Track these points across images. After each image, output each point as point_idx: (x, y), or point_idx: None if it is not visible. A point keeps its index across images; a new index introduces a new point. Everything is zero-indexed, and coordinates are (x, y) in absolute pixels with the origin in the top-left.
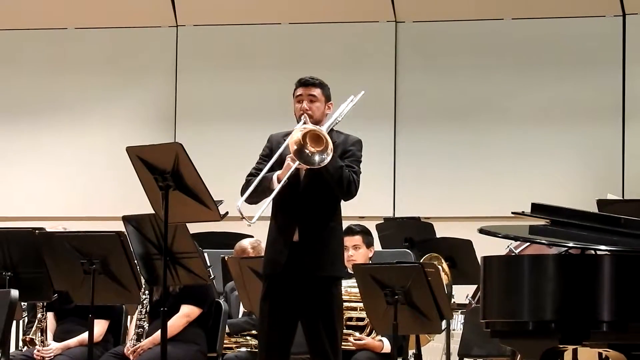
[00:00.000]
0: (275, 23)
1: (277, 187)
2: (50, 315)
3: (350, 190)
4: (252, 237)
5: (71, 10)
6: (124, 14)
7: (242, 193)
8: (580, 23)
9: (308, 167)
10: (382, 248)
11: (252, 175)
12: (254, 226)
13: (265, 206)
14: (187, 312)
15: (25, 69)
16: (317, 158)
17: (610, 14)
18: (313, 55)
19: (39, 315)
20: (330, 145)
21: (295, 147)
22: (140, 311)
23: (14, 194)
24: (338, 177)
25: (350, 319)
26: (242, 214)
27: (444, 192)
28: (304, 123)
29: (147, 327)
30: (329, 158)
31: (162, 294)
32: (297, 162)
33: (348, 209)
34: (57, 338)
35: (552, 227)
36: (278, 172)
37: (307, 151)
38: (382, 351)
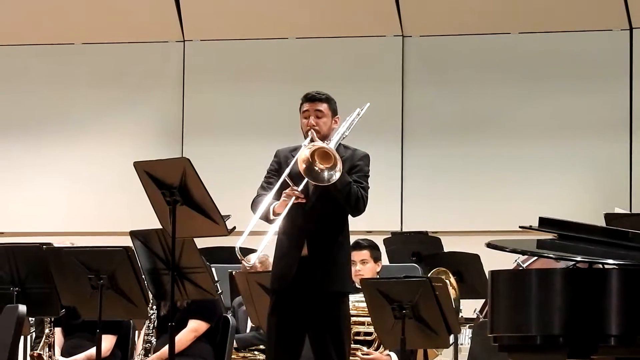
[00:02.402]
0: (282, 38)
1: (277, 220)
2: (57, 331)
3: (358, 206)
4: None
5: (78, 26)
6: (131, 29)
7: (252, 207)
8: (587, 37)
9: (317, 184)
10: (390, 262)
11: (262, 189)
12: (262, 240)
13: (262, 247)
14: (195, 327)
15: (32, 84)
16: (326, 175)
17: (618, 28)
18: (320, 70)
19: (47, 331)
20: (339, 162)
21: (304, 166)
22: (148, 326)
23: (21, 209)
24: (346, 193)
25: (358, 333)
26: (240, 256)
27: (452, 207)
28: (311, 139)
29: (154, 342)
30: (338, 174)
31: (169, 309)
32: (293, 198)
33: (355, 223)
34: (65, 353)
35: (560, 241)
36: (275, 204)
37: (317, 168)
38: None
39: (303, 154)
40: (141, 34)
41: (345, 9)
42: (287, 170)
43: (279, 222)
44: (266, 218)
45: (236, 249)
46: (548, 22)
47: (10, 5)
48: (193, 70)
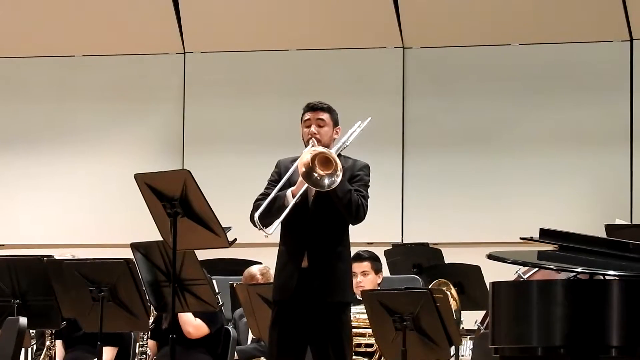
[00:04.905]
0: (282, 50)
1: (292, 202)
2: (58, 343)
3: (358, 214)
4: (260, 263)
5: (79, 38)
6: (132, 41)
7: (252, 217)
8: (588, 48)
9: (317, 189)
10: (391, 274)
11: (259, 200)
12: (263, 252)
13: (285, 215)
14: (198, 325)
15: (33, 96)
16: (326, 181)
17: (618, 39)
18: (321, 82)
19: (48, 343)
20: (340, 168)
21: (304, 170)
22: (142, 337)
23: (22, 222)
24: (347, 200)
25: (359, 345)
26: (260, 225)
27: (453, 218)
28: (312, 146)
29: (149, 353)
30: (338, 180)
31: (171, 321)
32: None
33: (356, 235)
34: None
35: (561, 252)
36: (292, 188)
37: (316, 174)
38: None
39: (304, 157)
40: (142, 46)
41: (346, 21)
42: (288, 173)
43: (294, 202)
44: (282, 206)
45: (255, 219)
46: (548, 34)
47: (10, 17)
48: (194, 82)
